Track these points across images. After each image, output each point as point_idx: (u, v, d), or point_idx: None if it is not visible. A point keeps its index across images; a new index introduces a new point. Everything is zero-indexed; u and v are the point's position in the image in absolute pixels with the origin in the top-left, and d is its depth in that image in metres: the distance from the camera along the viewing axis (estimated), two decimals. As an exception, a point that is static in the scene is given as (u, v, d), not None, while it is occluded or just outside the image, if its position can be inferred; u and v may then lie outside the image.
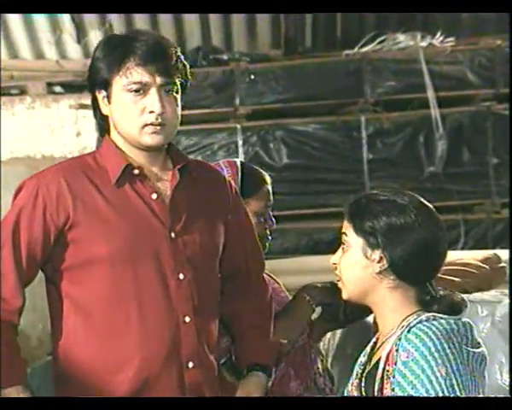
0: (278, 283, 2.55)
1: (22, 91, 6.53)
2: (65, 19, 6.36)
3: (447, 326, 1.81)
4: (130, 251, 2.02)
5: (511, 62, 5.52)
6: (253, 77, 5.99)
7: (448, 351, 1.77)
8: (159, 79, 2.03)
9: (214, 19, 6.36)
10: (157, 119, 2.03)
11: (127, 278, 2.02)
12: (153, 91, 2.03)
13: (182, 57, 2.09)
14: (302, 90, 5.97)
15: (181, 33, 6.44)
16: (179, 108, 2.11)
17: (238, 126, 5.93)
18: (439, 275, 2.51)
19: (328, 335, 3.00)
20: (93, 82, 2.09)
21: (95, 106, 2.13)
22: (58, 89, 6.63)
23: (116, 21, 6.39)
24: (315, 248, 5.58)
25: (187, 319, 2.05)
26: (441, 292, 1.94)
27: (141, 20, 6.36)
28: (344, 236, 1.95)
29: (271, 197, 2.47)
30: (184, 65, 2.10)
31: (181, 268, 2.06)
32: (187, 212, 2.10)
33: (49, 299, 2.13)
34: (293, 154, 5.91)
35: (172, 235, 2.06)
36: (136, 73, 2.02)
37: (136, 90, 2.02)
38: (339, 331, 3.02)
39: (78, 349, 2.05)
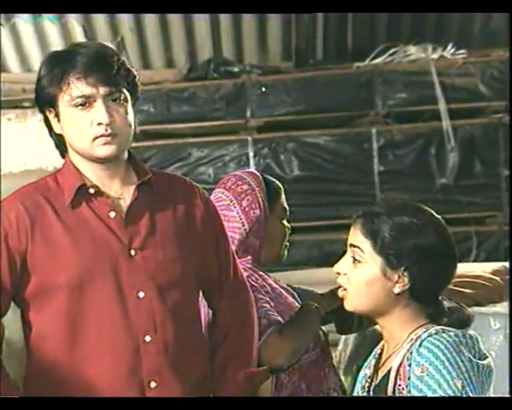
0: (295, 297, 2.52)
1: (34, 104, 6.56)
2: (77, 32, 6.40)
3: (456, 338, 1.80)
4: (87, 275, 1.98)
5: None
6: (264, 89, 6.01)
7: (461, 364, 1.76)
8: (102, 90, 1.97)
9: (225, 31, 6.38)
10: (106, 130, 1.97)
11: (85, 303, 1.98)
12: (98, 103, 1.97)
13: (126, 64, 2.02)
14: (313, 103, 5.98)
15: (192, 46, 6.47)
16: (130, 116, 2.03)
17: (249, 138, 5.94)
18: (452, 287, 2.52)
19: (340, 347, 2.99)
20: (40, 101, 2.06)
21: (48, 126, 2.08)
22: (70, 101, 6.67)
23: (127, 35, 6.43)
24: (326, 259, 5.55)
25: (147, 338, 1.99)
26: (448, 304, 1.92)
27: (152, 34, 6.39)
28: (357, 250, 1.91)
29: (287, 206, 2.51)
30: (129, 71, 2.03)
31: (141, 286, 2.00)
32: (148, 227, 2.03)
33: (22, 326, 2.09)
34: (305, 166, 5.91)
35: (132, 252, 2.00)
36: (77, 87, 1.97)
37: (82, 104, 1.97)
38: (350, 344, 3.02)
39: (43, 377, 2.02)
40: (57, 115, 2.03)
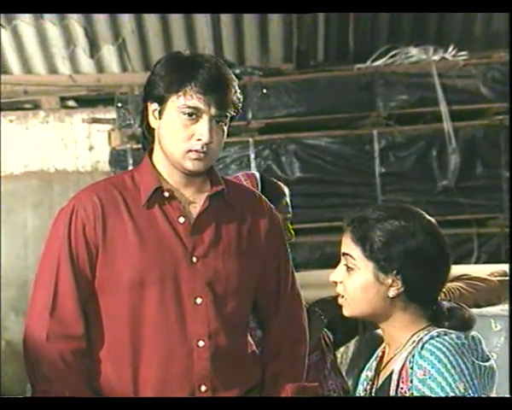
0: None
1: (36, 106, 6.57)
2: (78, 33, 6.40)
3: (458, 341, 1.80)
4: (149, 275, 2.04)
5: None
6: (265, 91, 6.00)
7: (463, 366, 1.76)
8: (213, 110, 2.04)
9: (227, 33, 6.38)
10: (203, 147, 2.05)
11: (145, 302, 2.04)
12: (204, 119, 2.04)
13: (238, 92, 2.10)
14: (314, 104, 5.98)
15: (193, 47, 6.46)
16: (224, 138, 2.13)
17: (250, 140, 5.93)
18: (453, 289, 2.51)
19: (342, 350, 2.99)
20: (148, 94, 2.11)
21: (143, 115, 2.14)
22: (71, 103, 6.67)
23: (129, 37, 6.43)
24: (327, 261, 5.55)
25: (201, 343, 2.05)
26: (448, 306, 1.92)
27: (153, 36, 6.39)
28: (349, 257, 1.91)
29: (290, 209, 2.49)
30: (239, 99, 2.11)
31: (199, 292, 2.06)
32: (212, 237, 2.10)
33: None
34: (306, 167, 5.91)
35: (194, 259, 2.07)
36: (193, 99, 2.03)
37: (190, 114, 2.04)
38: (352, 346, 3.01)
39: (101, 368, 2.08)
40: (160, 112, 2.08)
